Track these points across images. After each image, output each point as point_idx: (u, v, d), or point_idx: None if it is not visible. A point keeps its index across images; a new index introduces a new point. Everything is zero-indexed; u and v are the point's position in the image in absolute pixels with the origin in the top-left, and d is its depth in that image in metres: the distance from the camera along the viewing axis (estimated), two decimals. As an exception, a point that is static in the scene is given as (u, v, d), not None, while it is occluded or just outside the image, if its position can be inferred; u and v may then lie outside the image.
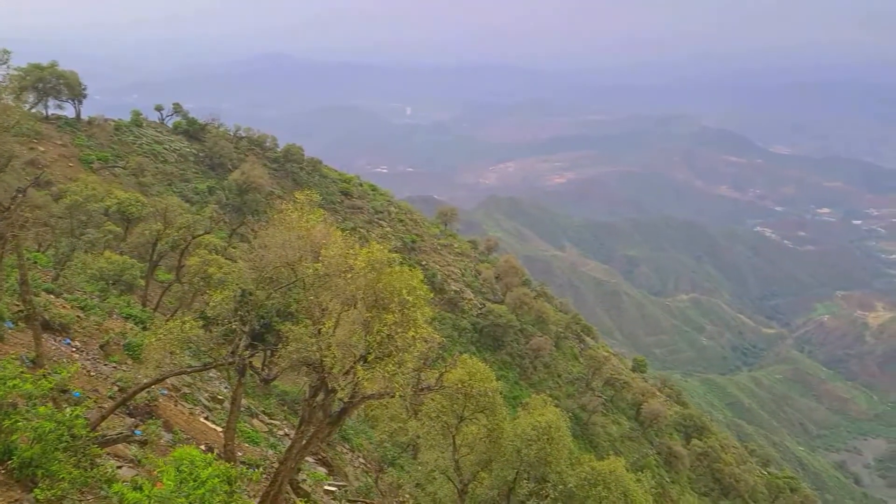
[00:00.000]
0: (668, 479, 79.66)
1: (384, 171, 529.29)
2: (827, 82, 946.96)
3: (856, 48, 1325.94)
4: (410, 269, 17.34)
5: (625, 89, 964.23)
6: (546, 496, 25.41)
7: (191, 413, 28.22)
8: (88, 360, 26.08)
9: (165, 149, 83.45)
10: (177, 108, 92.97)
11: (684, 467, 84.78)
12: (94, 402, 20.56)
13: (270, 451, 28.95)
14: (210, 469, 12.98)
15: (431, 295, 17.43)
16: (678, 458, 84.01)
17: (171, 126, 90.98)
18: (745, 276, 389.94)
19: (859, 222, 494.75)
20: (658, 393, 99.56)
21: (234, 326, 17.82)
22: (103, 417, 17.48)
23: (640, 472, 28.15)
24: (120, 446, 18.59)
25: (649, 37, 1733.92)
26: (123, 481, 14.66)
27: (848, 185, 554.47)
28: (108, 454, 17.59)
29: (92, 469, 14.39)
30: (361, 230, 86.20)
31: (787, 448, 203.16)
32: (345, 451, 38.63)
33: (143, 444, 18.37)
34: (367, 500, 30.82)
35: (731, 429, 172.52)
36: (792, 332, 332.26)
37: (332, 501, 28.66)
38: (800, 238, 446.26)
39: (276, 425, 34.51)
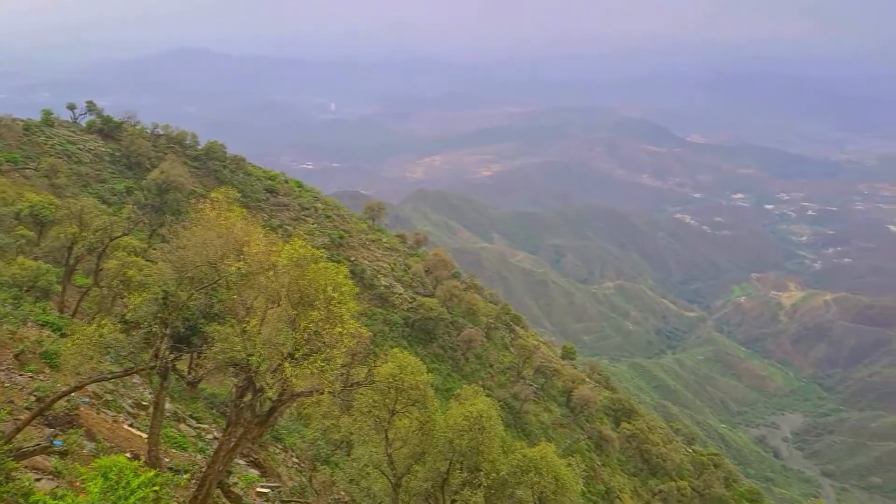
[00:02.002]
0: (599, 463, 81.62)
1: (310, 167, 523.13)
2: (739, 74, 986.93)
3: (771, 44, 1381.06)
4: (335, 265, 17.25)
5: (546, 83, 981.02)
6: (479, 485, 25.70)
7: (114, 420, 27.37)
8: (2, 370, 25.00)
9: (79, 149, 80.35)
10: (90, 107, 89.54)
11: (614, 450, 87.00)
12: (9, 413, 19.73)
13: (199, 456, 28.33)
14: (140, 478, 12.67)
15: (357, 290, 17.41)
16: (608, 442, 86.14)
17: (84, 125, 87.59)
18: (667, 262, 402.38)
19: (771, 207, 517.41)
20: (587, 379, 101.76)
21: (154, 329, 17.37)
22: (19, 429, 16.81)
23: (571, 457, 28.72)
24: (39, 458, 17.90)
25: (569, 32, 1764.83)
26: (43, 493, 14.15)
27: (759, 172, 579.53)
28: (26, 467, 16.93)
29: (7, 483, 13.84)
30: (288, 227, 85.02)
31: (711, 426, 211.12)
32: (278, 451, 38.16)
33: (63, 454, 17.74)
34: (302, 500, 30.55)
35: (658, 410, 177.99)
36: (712, 315, 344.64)
37: (265, 503, 28.30)
38: (717, 223, 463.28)
39: (204, 429, 33.78)
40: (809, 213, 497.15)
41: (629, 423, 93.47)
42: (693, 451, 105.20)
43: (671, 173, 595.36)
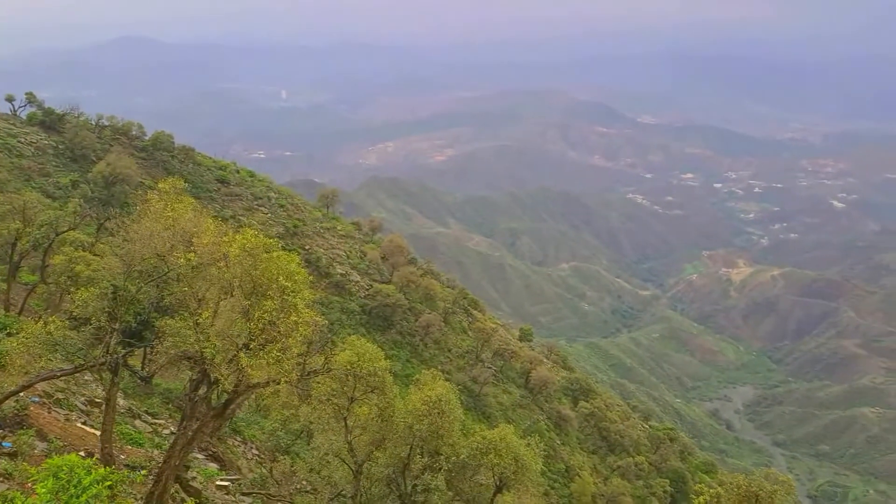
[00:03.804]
0: (558, 442, 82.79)
1: (262, 156, 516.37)
2: (687, 56, 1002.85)
3: (719, 26, 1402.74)
4: (288, 254, 17.09)
5: (497, 66, 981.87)
6: (440, 468, 25.89)
7: (67, 419, 26.79)
8: (-55, 372, 24.20)
9: (20, 142, 77.80)
10: (30, 98, 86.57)
11: (573, 429, 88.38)
12: (-46, 416, 19.17)
13: (156, 452, 27.92)
14: (92, 475, 12.43)
15: (312, 278, 17.29)
16: (567, 421, 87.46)
17: (24, 117, 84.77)
18: (620, 242, 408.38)
19: (719, 185, 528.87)
20: (545, 360, 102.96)
21: (103, 325, 17.01)
22: (-35, 432, 16.35)
23: (530, 438, 29.06)
24: (-13, 461, 17.44)
25: (518, 14, 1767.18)
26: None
27: (708, 151, 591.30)
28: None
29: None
30: (241, 218, 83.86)
31: (666, 401, 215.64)
32: (237, 443, 37.84)
33: (13, 455, 17.34)
34: (263, 491, 30.38)
35: (615, 388, 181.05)
36: (665, 293, 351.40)
37: (226, 496, 28.07)
38: (668, 203, 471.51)
39: (160, 424, 33.28)
40: (756, 190, 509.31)
41: (587, 401, 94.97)
42: (650, 426, 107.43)
43: (622, 154, 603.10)
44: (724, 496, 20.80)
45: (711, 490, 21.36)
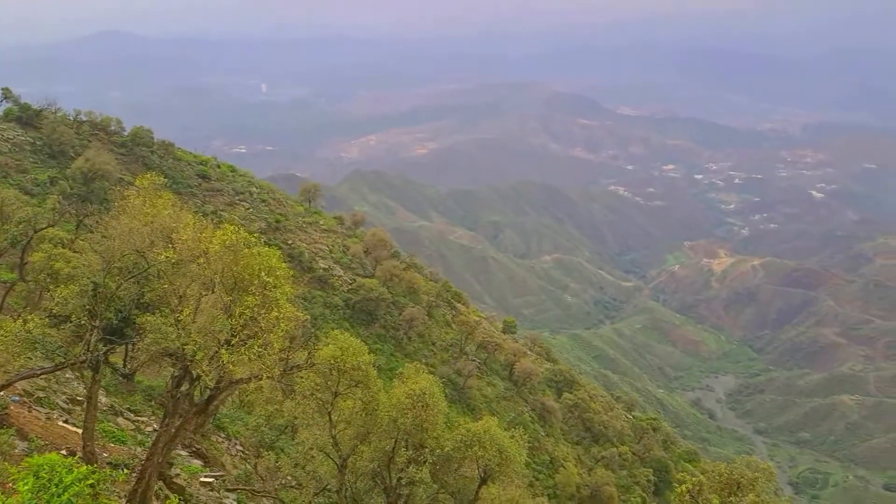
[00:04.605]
0: (542, 433, 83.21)
1: (243, 150, 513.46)
2: (666, 48, 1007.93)
3: (700, 18, 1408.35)
4: (269, 249, 17.03)
5: (477, 59, 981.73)
6: (424, 461, 25.95)
7: (48, 418, 26.60)
8: (-78, 372, 23.92)
9: (-4, 138, 76.78)
10: (6, 94, 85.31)
11: (557, 420, 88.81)
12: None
13: (139, 449, 27.78)
14: (74, 474, 12.33)
15: (294, 273, 17.25)
16: (551, 413, 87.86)
17: (0, 113, 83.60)
18: (602, 234, 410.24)
19: (700, 176, 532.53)
20: (529, 352, 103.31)
21: (84, 322, 16.87)
22: (-56, 432, 16.18)
23: (514, 429, 29.20)
24: (-33, 461, 17.27)
25: (497, 7, 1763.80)
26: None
27: (688, 143, 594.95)
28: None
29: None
30: (223, 213, 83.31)
31: (649, 391, 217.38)
32: (220, 440, 37.73)
33: (-7, 455, 17.16)
34: (247, 487, 30.33)
35: (599, 379, 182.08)
36: (648, 284, 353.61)
37: (210, 493, 28.00)
38: (650, 194, 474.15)
39: (143, 422, 33.11)
40: (736, 181, 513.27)
41: (571, 393, 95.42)
42: (633, 416, 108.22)
43: (604, 146, 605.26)
44: (707, 484, 21.03)
45: (694, 478, 21.60)
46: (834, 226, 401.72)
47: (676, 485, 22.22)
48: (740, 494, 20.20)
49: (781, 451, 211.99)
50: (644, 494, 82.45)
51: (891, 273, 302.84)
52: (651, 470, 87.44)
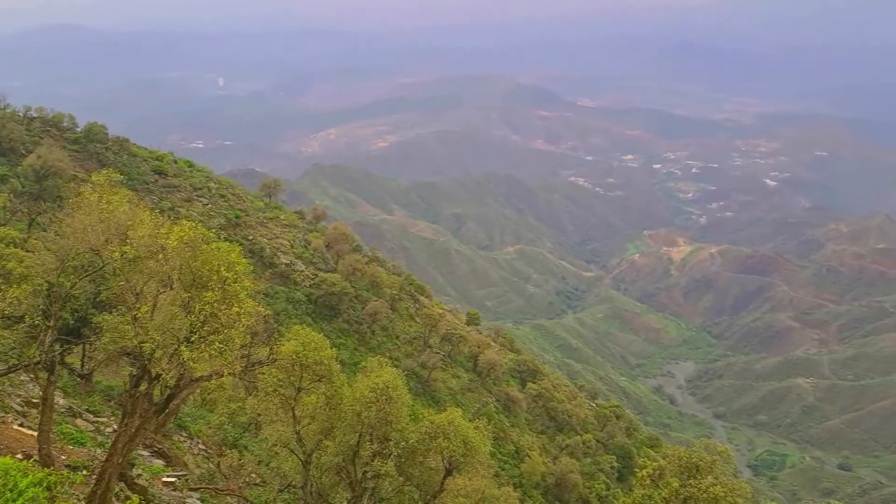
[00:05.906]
0: (507, 424, 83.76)
1: (200, 146, 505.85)
2: (624, 39, 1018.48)
3: (656, 10, 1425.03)
4: (228, 244, 16.83)
5: (436, 52, 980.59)
6: (389, 454, 25.96)
7: (2, 421, 25.95)
8: None
9: (-59, 136, 74.45)
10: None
11: (522, 410, 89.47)
12: None
13: (99, 451, 27.27)
14: (29, 478, 12.09)
15: (255, 269, 17.11)
16: (515, 403, 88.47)
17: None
18: (563, 224, 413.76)
19: (658, 166, 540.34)
20: (493, 343, 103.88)
21: (37, 323, 16.50)
22: None
23: (479, 420, 29.37)
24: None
25: (461, 3, 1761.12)
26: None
27: (646, 133, 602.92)
28: None
29: None
30: (180, 209, 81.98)
31: (612, 380, 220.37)
32: (183, 439, 37.22)
33: (-55, 461, 16.68)
34: (211, 486, 30.02)
35: (562, 369, 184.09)
36: (609, 273, 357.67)
37: (173, 493, 27.64)
38: (609, 184, 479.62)
39: (102, 423, 32.48)
40: (693, 170, 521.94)
41: (535, 383, 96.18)
42: (596, 405, 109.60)
43: (564, 137, 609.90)
44: (667, 468, 21.41)
45: (654, 463, 21.96)
46: (786, 213, 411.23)
47: (638, 470, 22.62)
48: (699, 477, 20.62)
49: (740, 434, 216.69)
50: (608, 481, 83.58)
51: (841, 258, 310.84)
52: (615, 457, 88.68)
